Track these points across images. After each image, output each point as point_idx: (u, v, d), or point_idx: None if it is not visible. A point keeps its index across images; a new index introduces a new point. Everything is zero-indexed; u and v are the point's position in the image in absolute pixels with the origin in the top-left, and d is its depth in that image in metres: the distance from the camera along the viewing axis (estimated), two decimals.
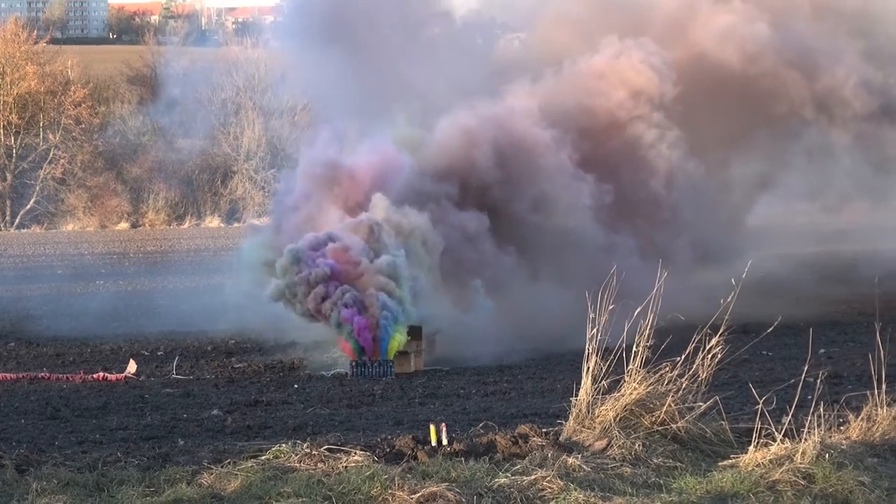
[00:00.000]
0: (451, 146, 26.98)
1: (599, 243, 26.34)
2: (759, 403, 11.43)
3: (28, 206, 66.03)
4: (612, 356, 12.23)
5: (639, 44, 30.81)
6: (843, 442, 11.57)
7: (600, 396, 12.21)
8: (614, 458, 11.43)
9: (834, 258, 35.49)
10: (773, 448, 10.96)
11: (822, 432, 11.17)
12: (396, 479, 10.60)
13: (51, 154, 66.82)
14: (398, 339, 21.59)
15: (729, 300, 12.05)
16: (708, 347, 12.03)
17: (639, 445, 11.70)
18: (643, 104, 30.06)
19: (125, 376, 20.64)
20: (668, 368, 12.09)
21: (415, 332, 22.06)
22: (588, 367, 12.24)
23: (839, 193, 36.99)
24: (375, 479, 10.57)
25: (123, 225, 62.56)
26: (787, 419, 11.27)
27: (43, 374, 20.98)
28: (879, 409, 12.22)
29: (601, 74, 30.65)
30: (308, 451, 11.55)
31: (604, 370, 12.22)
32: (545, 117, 28.88)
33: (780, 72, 32.28)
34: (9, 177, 66.43)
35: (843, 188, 36.25)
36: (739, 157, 33.18)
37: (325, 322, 22.09)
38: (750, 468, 10.74)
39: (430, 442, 12.25)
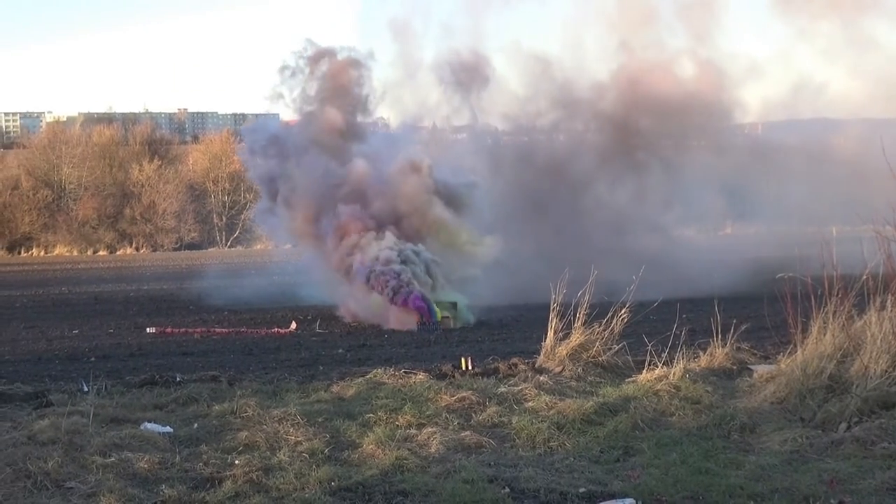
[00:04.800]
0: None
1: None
2: (648, 346, 11.39)
3: (235, 235, 66.70)
4: (566, 318, 12.24)
5: None
6: (697, 368, 11.55)
7: (558, 342, 12.21)
8: (566, 377, 11.43)
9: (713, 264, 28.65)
10: (656, 371, 10.91)
11: (685, 362, 11.13)
12: (443, 388, 10.66)
13: (247, 205, 67.24)
14: (438, 312, 21.28)
15: (632, 288, 12.01)
16: (620, 314, 12.02)
17: (580, 369, 11.70)
18: None
19: (289, 331, 20.75)
20: (597, 325, 12.10)
21: (454, 305, 21.97)
22: (552, 325, 12.25)
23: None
24: (431, 388, 10.64)
25: (288, 245, 62.37)
26: (664, 355, 11.22)
27: (243, 329, 21.11)
28: (717, 350, 12.20)
29: None
30: (393, 372, 11.63)
31: (561, 326, 12.24)
32: None
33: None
34: (224, 218, 67.46)
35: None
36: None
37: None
38: (643, 383, 10.69)
39: (461, 367, 12.29)
